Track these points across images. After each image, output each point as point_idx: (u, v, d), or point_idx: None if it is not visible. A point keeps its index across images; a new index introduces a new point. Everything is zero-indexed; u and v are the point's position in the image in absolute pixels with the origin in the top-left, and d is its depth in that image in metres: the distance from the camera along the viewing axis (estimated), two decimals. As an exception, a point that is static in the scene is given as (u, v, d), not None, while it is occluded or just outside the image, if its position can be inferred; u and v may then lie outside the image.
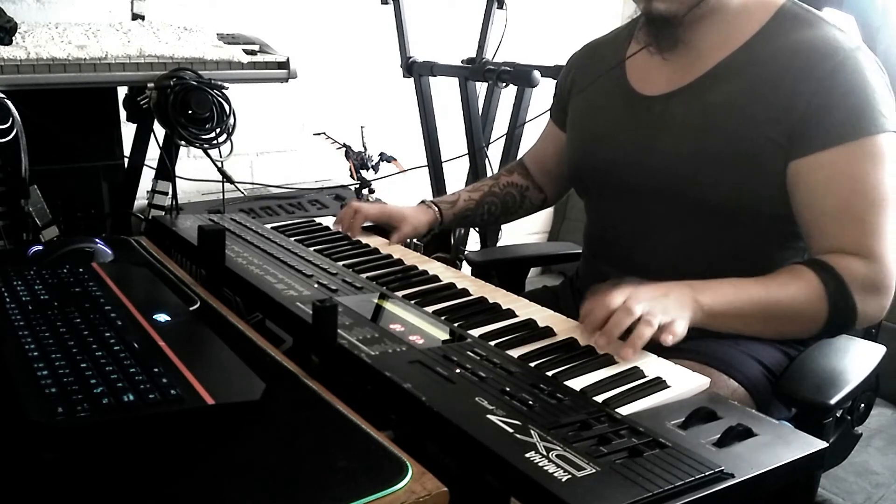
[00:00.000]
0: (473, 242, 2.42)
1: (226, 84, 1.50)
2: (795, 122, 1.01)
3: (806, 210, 1.03)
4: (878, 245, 0.99)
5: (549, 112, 1.44)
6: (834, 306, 0.98)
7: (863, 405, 1.07)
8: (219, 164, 1.52)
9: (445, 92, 2.29)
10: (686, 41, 1.11)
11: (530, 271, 1.65)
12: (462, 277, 1.12)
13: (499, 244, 2.25)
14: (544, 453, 0.63)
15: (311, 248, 1.21)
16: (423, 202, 1.39)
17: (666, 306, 0.91)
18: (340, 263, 1.14)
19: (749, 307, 0.98)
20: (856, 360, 1.04)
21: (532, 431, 0.66)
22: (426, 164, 2.33)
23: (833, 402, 0.93)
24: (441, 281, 1.09)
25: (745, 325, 1.00)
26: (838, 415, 1.01)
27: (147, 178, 1.72)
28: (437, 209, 1.37)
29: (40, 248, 1.12)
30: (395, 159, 2.40)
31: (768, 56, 1.05)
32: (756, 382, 1.02)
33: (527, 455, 0.63)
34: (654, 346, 0.88)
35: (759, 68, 1.05)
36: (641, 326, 0.86)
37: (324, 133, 2.37)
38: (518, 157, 2.10)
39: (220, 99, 1.47)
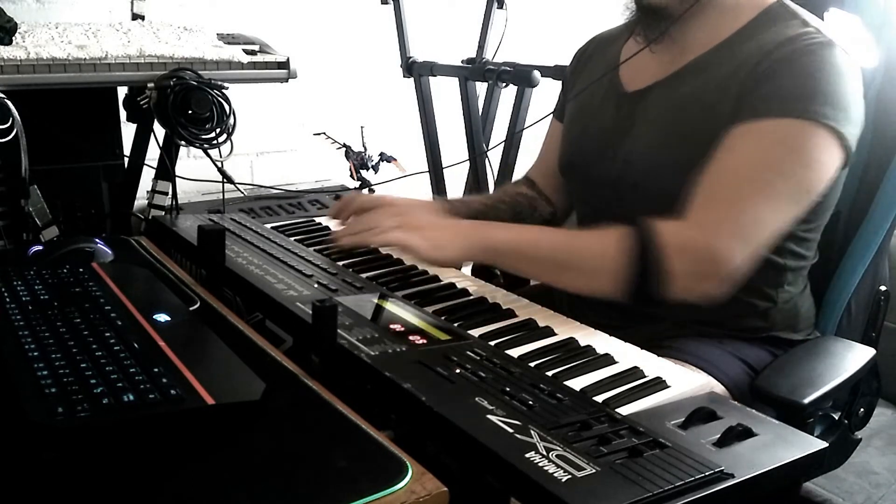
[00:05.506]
0: (473, 242, 2.42)
1: (226, 84, 1.50)
2: (740, 98, 1.00)
3: (701, 174, 0.98)
4: (732, 223, 0.94)
5: (552, 114, 1.42)
6: (635, 260, 0.92)
7: (862, 409, 1.06)
8: (219, 164, 1.52)
9: (445, 92, 2.29)
10: (676, 36, 1.11)
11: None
12: (462, 277, 1.12)
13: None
14: (544, 453, 0.63)
15: (311, 248, 1.21)
16: (434, 200, 1.37)
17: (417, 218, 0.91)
18: (340, 263, 1.14)
19: (535, 250, 0.95)
20: (840, 361, 1.03)
21: (532, 431, 0.66)
22: (427, 168, 2.33)
23: (807, 401, 0.91)
24: (441, 281, 1.09)
25: (534, 267, 0.97)
26: (836, 417, 1.01)
27: (147, 177, 1.72)
28: (449, 206, 1.31)
29: (40, 248, 1.12)
30: (395, 159, 2.40)
31: (742, 52, 1.05)
32: (738, 382, 1.01)
33: (527, 455, 0.63)
34: (640, 342, 0.88)
35: (731, 64, 1.05)
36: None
37: (324, 133, 2.37)
38: (517, 161, 2.11)
39: (220, 99, 1.47)
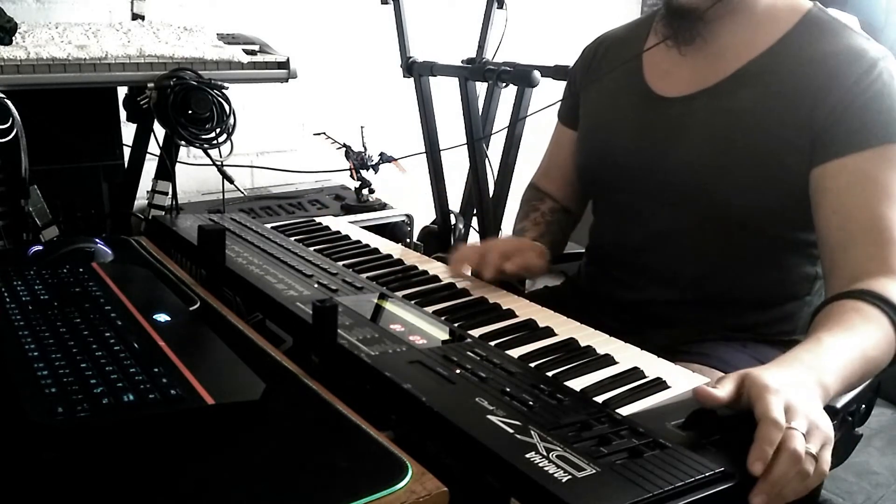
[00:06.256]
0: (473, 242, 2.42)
1: (226, 84, 1.50)
2: (819, 129, 0.99)
3: (832, 216, 0.99)
4: None
5: (557, 114, 1.39)
6: None
7: (864, 406, 1.07)
8: (219, 164, 1.52)
9: (445, 92, 2.29)
10: (707, 39, 1.09)
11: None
12: (462, 277, 1.12)
13: (499, 244, 2.24)
14: (544, 454, 0.63)
15: (311, 248, 1.21)
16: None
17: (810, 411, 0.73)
18: (340, 263, 1.14)
19: (853, 373, 0.86)
20: None
21: (532, 432, 0.66)
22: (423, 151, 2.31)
23: (840, 405, 0.92)
24: (441, 281, 1.09)
25: (851, 387, 0.89)
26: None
27: (147, 177, 1.72)
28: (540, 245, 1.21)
29: (40, 248, 1.12)
30: (395, 160, 2.40)
31: (793, 63, 1.04)
32: None
33: (527, 455, 0.62)
34: (655, 347, 0.88)
35: (784, 75, 1.04)
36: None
37: (324, 133, 2.37)
38: (517, 160, 2.11)
39: (220, 99, 1.47)
